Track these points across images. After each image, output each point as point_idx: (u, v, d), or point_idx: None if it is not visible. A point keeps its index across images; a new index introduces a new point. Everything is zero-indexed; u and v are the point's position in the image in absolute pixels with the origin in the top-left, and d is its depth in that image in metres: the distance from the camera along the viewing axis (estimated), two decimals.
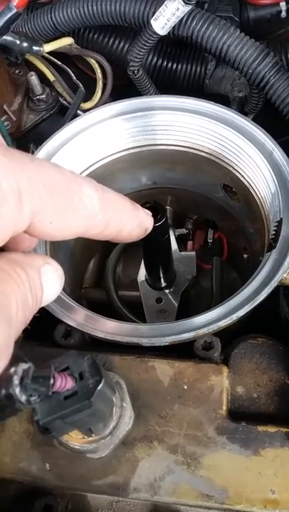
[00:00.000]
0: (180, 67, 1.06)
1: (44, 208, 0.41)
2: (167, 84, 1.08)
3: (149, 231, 0.62)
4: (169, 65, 1.06)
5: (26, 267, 0.42)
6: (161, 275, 0.90)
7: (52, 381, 0.44)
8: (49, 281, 0.45)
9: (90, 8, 0.96)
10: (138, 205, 0.58)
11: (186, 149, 0.83)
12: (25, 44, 0.90)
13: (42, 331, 0.68)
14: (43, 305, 0.45)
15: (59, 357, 0.48)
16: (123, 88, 1.06)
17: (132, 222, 0.55)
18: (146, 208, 0.71)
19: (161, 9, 0.85)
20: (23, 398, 0.40)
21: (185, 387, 0.61)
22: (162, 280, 0.91)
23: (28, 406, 0.41)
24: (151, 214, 0.63)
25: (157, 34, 0.87)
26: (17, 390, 0.39)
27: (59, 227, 0.44)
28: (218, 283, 0.96)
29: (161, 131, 0.81)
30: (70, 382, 0.45)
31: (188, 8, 0.82)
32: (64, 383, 0.45)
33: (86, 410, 0.46)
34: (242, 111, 1.03)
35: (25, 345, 0.65)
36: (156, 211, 0.71)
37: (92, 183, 0.48)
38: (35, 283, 0.43)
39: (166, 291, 0.93)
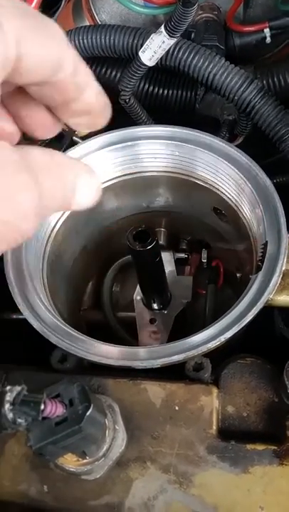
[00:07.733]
0: (171, 93, 1.09)
1: (23, 33, 0.37)
2: (159, 109, 1.11)
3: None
4: (160, 91, 1.09)
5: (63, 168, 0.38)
6: (155, 297, 0.92)
7: (42, 406, 0.46)
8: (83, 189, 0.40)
9: (81, 41, 1.00)
10: None
11: (175, 175, 0.86)
12: None
13: (41, 357, 0.71)
14: (74, 207, 0.40)
15: (54, 384, 0.50)
16: (118, 112, 1.09)
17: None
18: (138, 232, 0.75)
19: (148, 42, 0.89)
20: (10, 416, 0.43)
21: (176, 408, 0.63)
22: (156, 301, 0.93)
23: (13, 426, 0.44)
24: None
25: (145, 65, 0.91)
26: (6, 407, 0.42)
27: (39, 54, 0.38)
28: (212, 309, 0.97)
29: (150, 159, 0.84)
30: (60, 409, 0.48)
31: (173, 41, 0.86)
32: (54, 409, 0.47)
33: (76, 435, 0.48)
34: (232, 133, 1.06)
35: (25, 369, 0.68)
36: (147, 235, 0.75)
37: None
38: (66, 181, 0.38)
39: (161, 312, 0.95)
